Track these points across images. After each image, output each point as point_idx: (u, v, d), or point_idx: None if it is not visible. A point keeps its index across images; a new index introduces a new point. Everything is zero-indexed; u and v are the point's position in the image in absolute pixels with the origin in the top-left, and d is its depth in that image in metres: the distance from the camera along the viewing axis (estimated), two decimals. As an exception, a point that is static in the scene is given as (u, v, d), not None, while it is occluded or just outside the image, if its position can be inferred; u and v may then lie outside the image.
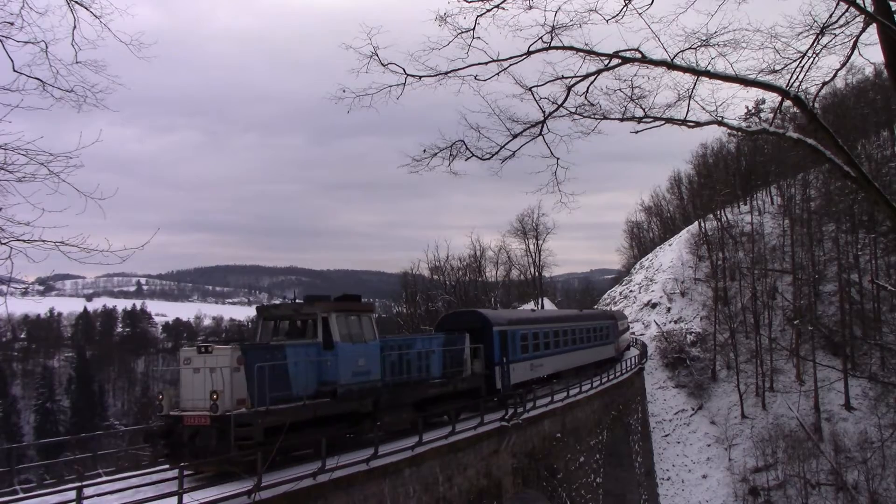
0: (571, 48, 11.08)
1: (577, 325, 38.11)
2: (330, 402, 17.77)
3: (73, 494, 12.45)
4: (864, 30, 11.60)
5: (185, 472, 14.88)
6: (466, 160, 11.81)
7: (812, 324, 60.66)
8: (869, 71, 61.03)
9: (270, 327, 19.28)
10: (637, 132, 11.98)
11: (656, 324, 70.10)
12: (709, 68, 11.11)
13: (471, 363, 25.05)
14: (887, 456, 48.13)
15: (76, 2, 9.23)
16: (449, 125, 13.10)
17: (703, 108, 11.69)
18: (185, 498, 12.40)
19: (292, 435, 15.85)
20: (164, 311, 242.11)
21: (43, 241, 8.44)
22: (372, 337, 19.52)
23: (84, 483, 14.07)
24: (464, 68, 11.20)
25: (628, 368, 45.56)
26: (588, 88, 11.62)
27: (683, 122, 11.73)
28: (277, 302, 22.09)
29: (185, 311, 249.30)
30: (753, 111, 53.88)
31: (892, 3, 10.39)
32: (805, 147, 11.88)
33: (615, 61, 11.18)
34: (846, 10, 11.42)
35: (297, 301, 20.01)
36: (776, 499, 49.08)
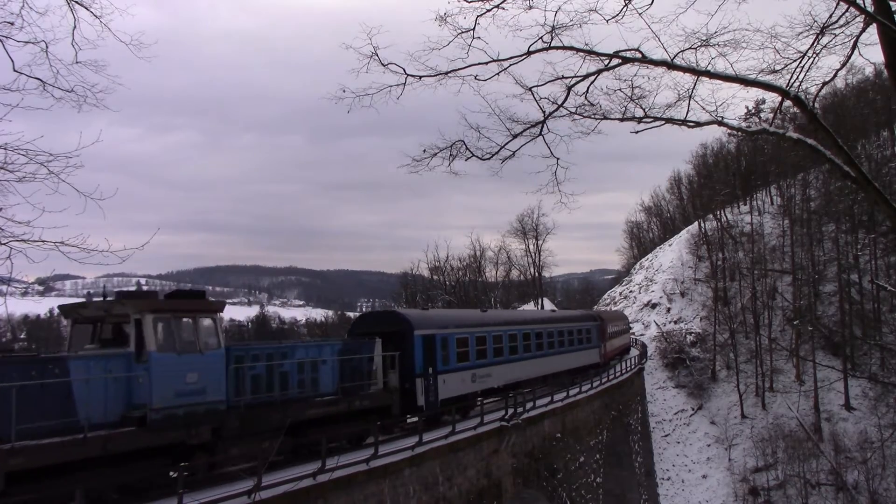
0: (571, 48, 11.09)
1: (545, 327, 33.16)
2: (134, 432, 13.46)
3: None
4: (864, 30, 11.62)
5: None
6: (466, 160, 11.84)
7: (812, 324, 60.67)
8: (869, 71, 61.18)
9: (87, 332, 15.27)
10: (637, 132, 12.02)
11: (656, 324, 70.11)
12: (709, 68, 11.13)
13: (382, 375, 20.83)
14: (887, 456, 48.12)
15: (76, 2, 9.24)
16: (449, 125, 13.12)
17: (703, 108, 11.73)
18: (186, 498, 12.39)
19: (75, 478, 12.34)
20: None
21: (43, 241, 8.46)
22: (214, 345, 15.30)
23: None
24: (464, 68, 11.22)
25: (628, 369, 45.56)
26: (588, 88, 11.65)
27: (683, 122, 11.75)
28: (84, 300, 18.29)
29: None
30: (753, 111, 53.96)
31: (892, 4, 10.40)
32: (805, 147, 11.89)
33: (615, 61, 11.20)
34: (846, 10, 11.43)
35: (110, 299, 15.54)
36: (776, 499, 49.08)
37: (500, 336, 28.25)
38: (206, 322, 15.39)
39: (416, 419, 22.39)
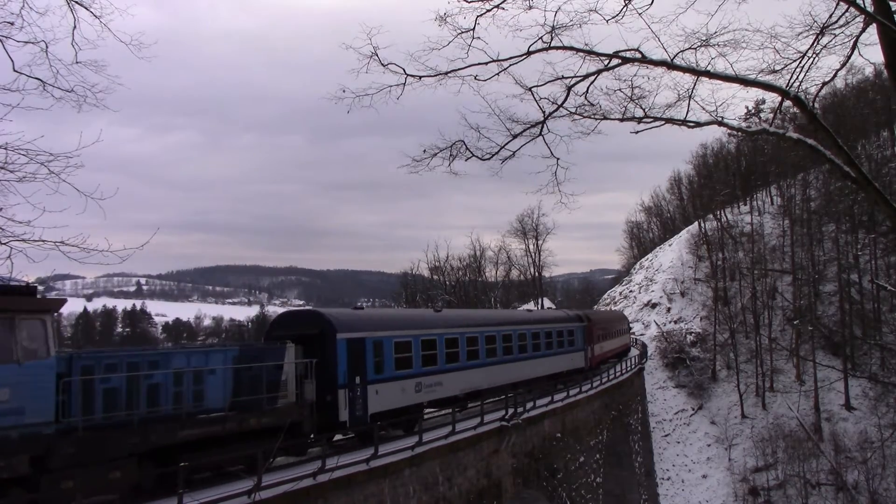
0: (571, 48, 11.09)
1: (514, 328, 29.93)
2: None
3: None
4: (864, 30, 11.63)
5: None
6: (466, 160, 11.83)
7: (812, 324, 60.68)
8: (869, 71, 61.13)
9: None
10: (637, 132, 12.03)
11: (656, 324, 70.11)
12: (709, 68, 11.13)
13: (296, 386, 17.70)
14: (887, 456, 48.13)
15: (76, 2, 9.25)
16: (449, 125, 13.12)
17: (703, 108, 11.73)
18: (186, 498, 12.39)
19: None
20: (164, 312, 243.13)
21: (43, 241, 8.47)
22: (41, 353, 12.28)
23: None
24: (464, 68, 11.23)
25: (628, 369, 45.55)
26: (588, 88, 11.65)
27: (683, 122, 11.75)
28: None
29: (185, 311, 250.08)
30: (753, 111, 53.91)
31: (892, 4, 10.40)
32: (805, 147, 11.90)
33: (615, 61, 11.21)
34: (846, 10, 11.44)
35: None
36: (776, 499, 49.08)
37: (456, 339, 25.12)
38: (31, 325, 12.22)
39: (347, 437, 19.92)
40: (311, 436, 17.71)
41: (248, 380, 16.38)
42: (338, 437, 19.89)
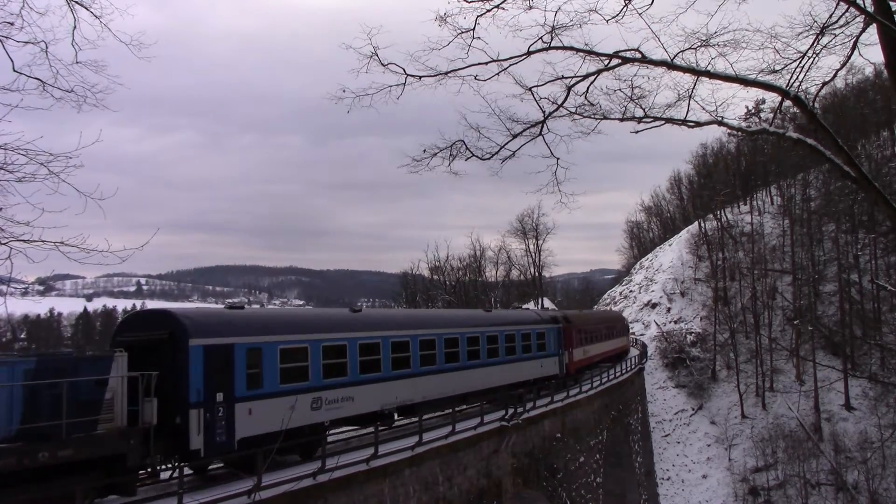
0: (571, 48, 11.10)
1: (461, 331, 25.89)
2: None
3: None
4: (864, 30, 11.63)
5: None
6: (466, 160, 11.84)
7: (812, 324, 60.69)
8: (869, 71, 61.09)
9: None
10: (637, 132, 12.03)
11: (656, 324, 70.11)
12: (709, 68, 11.14)
13: (123, 405, 13.50)
14: (887, 456, 48.14)
15: (76, 2, 9.24)
16: (449, 125, 13.13)
17: (703, 108, 11.74)
18: (186, 498, 12.39)
19: None
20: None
21: (43, 241, 8.48)
22: None
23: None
24: (464, 68, 11.23)
25: (628, 369, 45.57)
26: (588, 88, 11.66)
27: (683, 122, 11.75)
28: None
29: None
30: (753, 111, 53.80)
31: (892, 4, 10.41)
32: (805, 147, 11.90)
33: (615, 61, 11.21)
34: (846, 10, 11.44)
35: None
36: (776, 499, 49.09)
37: (376, 344, 21.00)
38: None
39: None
40: (146, 469, 14.39)
41: (49, 400, 12.52)
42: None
